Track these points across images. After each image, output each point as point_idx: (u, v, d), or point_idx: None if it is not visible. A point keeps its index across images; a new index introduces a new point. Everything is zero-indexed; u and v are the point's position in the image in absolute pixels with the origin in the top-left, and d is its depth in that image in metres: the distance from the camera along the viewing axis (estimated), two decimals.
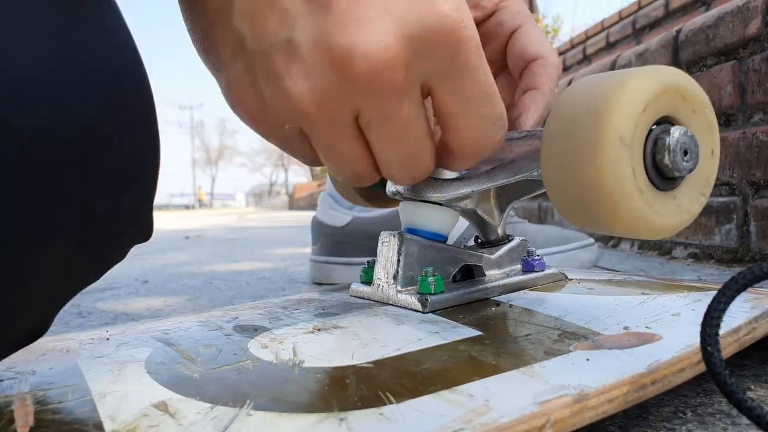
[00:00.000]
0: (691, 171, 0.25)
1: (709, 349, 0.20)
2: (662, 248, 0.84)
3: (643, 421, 0.25)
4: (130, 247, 0.25)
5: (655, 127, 0.25)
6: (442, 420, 0.19)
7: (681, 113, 0.25)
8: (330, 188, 0.78)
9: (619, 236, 0.25)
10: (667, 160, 0.24)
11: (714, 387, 0.27)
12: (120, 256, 0.25)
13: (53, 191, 0.19)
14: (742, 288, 0.21)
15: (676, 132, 0.24)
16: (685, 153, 0.24)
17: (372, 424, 0.19)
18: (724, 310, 0.21)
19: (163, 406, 0.21)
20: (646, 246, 0.86)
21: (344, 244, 0.74)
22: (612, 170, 0.23)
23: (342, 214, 0.75)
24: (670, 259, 0.79)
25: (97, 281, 0.26)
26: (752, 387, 0.28)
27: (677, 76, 0.25)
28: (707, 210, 0.77)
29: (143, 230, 0.25)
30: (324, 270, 0.76)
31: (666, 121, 0.25)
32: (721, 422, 0.25)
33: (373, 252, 0.75)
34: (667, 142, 0.24)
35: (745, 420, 0.24)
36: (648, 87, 0.24)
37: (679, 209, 0.25)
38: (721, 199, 0.74)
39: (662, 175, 0.25)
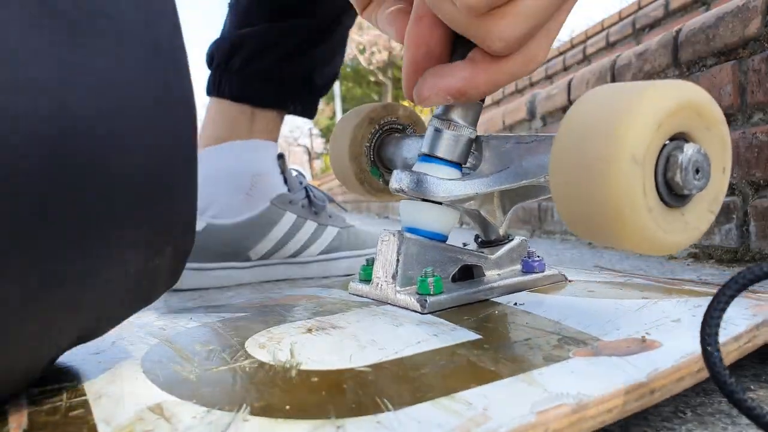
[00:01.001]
0: (701, 189, 0.24)
1: (709, 349, 0.20)
2: None
3: (643, 420, 0.25)
4: (157, 296, 0.25)
5: (668, 142, 0.24)
6: (440, 430, 0.19)
7: (695, 130, 0.24)
8: None
9: (625, 251, 0.25)
10: (678, 177, 0.24)
11: (714, 387, 0.27)
12: (147, 303, 0.25)
13: (124, 238, 0.20)
14: (742, 288, 0.21)
15: (689, 149, 0.24)
16: (697, 171, 0.24)
17: None
18: (723, 310, 0.21)
19: (158, 409, 0.21)
20: None
21: (196, 250, 0.73)
22: (622, 188, 0.22)
23: None
24: (670, 259, 0.79)
25: None
26: (752, 387, 0.28)
27: (694, 92, 0.24)
28: None
29: (173, 280, 0.25)
30: None
31: (679, 137, 0.24)
32: (721, 422, 0.24)
33: (226, 257, 0.75)
34: (679, 160, 0.24)
35: (744, 420, 0.24)
36: (664, 104, 0.23)
37: (686, 226, 0.25)
38: None
39: (672, 192, 0.24)
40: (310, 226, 0.77)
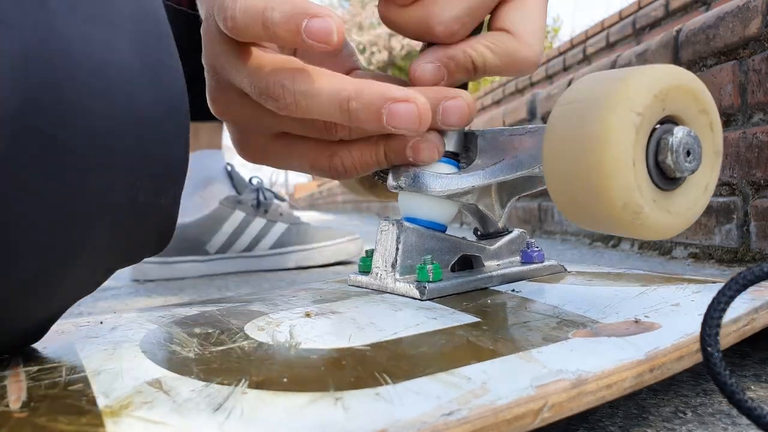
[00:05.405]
0: (693, 172, 0.24)
1: (709, 349, 0.20)
2: (662, 248, 0.83)
3: (643, 421, 0.25)
4: (149, 252, 0.26)
5: (658, 126, 0.24)
6: (439, 401, 0.19)
7: (685, 113, 0.25)
8: None
9: (619, 236, 0.25)
10: (669, 160, 0.24)
11: (714, 387, 0.27)
12: (140, 255, 0.26)
13: (109, 172, 0.22)
14: (742, 288, 0.21)
15: (679, 132, 0.24)
16: (688, 153, 0.24)
17: (368, 404, 0.19)
18: (724, 311, 0.21)
19: (157, 384, 0.21)
20: (646, 246, 0.86)
21: None
22: (614, 171, 0.23)
23: None
24: (670, 259, 0.79)
25: None
26: (752, 387, 0.28)
27: (681, 74, 0.24)
28: (707, 210, 0.76)
29: (166, 233, 0.26)
30: (141, 268, 0.84)
31: (669, 121, 0.25)
32: (721, 422, 0.24)
33: (187, 251, 0.86)
34: (669, 143, 0.24)
35: (745, 420, 0.24)
36: (650, 86, 0.23)
37: (680, 210, 0.25)
38: (721, 199, 0.74)
39: (664, 175, 0.24)
40: (258, 222, 0.89)
